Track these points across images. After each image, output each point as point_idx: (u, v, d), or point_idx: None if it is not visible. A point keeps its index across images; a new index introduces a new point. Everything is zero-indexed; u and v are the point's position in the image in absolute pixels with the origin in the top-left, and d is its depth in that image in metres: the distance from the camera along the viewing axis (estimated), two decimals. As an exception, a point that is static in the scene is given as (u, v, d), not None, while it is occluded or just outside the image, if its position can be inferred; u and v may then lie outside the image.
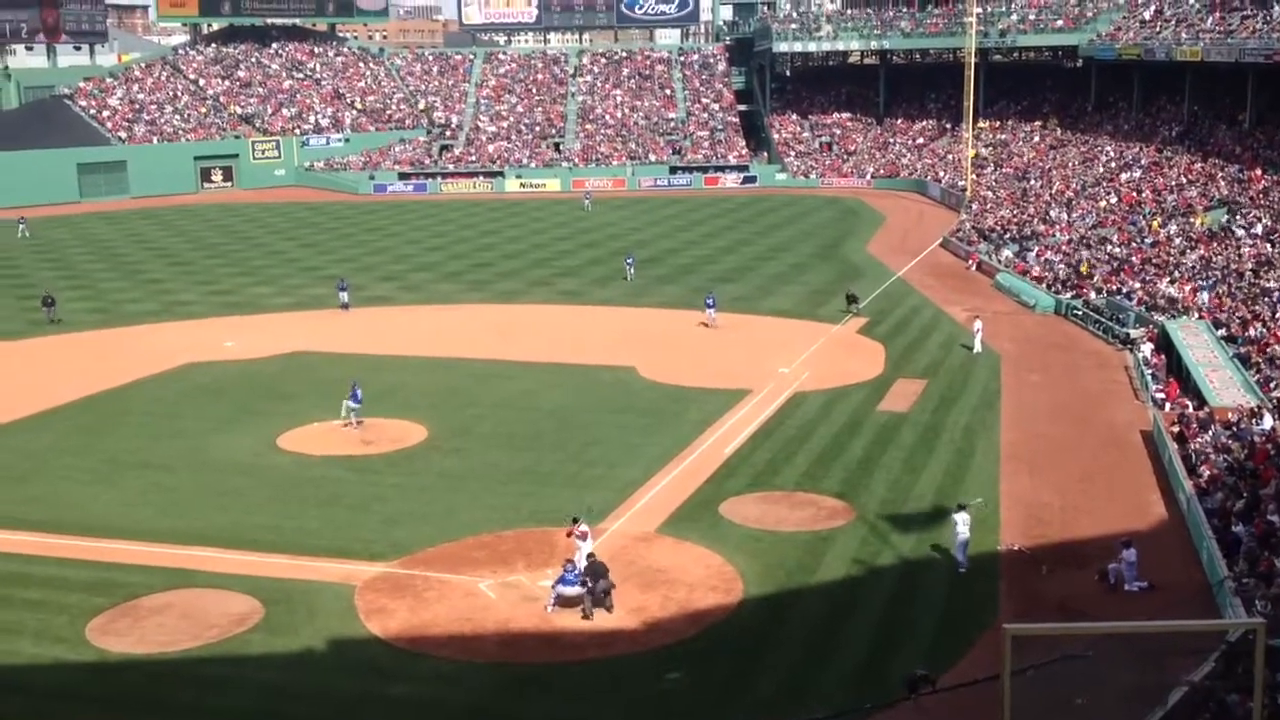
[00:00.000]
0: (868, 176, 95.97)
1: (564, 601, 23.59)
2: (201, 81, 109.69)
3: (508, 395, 39.20)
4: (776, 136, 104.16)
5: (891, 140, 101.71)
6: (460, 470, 32.12)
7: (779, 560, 25.94)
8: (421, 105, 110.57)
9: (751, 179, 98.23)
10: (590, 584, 23.41)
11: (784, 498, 29.78)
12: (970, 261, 61.39)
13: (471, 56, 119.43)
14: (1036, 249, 59.23)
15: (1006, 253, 60.24)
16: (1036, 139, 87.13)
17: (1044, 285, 53.28)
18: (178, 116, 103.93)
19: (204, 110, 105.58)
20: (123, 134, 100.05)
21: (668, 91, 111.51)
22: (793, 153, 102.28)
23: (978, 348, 43.55)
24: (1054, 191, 70.68)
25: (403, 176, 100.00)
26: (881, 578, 25.20)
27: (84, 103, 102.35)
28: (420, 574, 25.44)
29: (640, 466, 31.93)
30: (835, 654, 22.06)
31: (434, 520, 28.36)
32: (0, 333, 49.99)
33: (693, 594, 24.47)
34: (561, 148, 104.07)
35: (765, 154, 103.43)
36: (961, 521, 25.53)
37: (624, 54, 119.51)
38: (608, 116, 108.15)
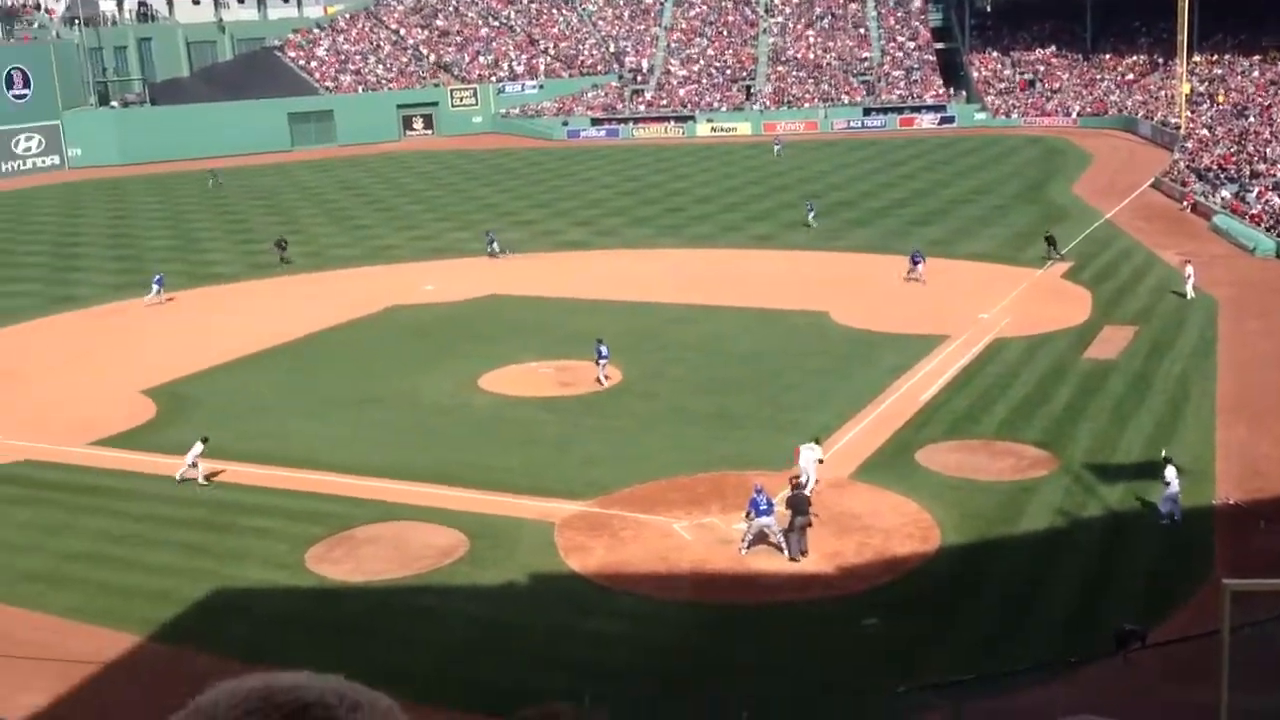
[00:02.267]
0: (1073, 115, 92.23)
1: (757, 539, 23.68)
2: (402, 31, 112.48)
3: (700, 339, 39.37)
4: (975, 75, 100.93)
5: (1099, 76, 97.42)
6: (655, 413, 32.49)
7: (978, 510, 25.49)
8: (612, 49, 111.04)
9: (949, 119, 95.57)
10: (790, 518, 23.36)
11: (983, 446, 29.20)
12: (1185, 203, 58.56)
13: (662, 1, 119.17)
14: (1257, 189, 56.10)
15: (1224, 193, 57.23)
16: (1256, 73, 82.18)
17: (1264, 227, 50.49)
18: (380, 66, 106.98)
19: (404, 59, 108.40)
20: (329, 84, 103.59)
21: (862, 30, 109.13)
22: (993, 91, 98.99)
23: (1190, 293, 41.62)
24: (1276, 128, 66.67)
25: (595, 122, 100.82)
26: (1087, 530, 24.52)
27: (293, 54, 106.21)
28: (617, 513, 25.93)
29: (833, 412, 31.72)
30: (1038, 606, 21.62)
31: (629, 461, 28.81)
32: (222, 275, 52.63)
33: (889, 541, 24.29)
34: (752, 90, 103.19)
35: (964, 93, 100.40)
36: (1171, 474, 24.60)
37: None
38: (800, 57, 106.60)
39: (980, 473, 27.50)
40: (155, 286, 47.50)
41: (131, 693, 19.52)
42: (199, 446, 28.45)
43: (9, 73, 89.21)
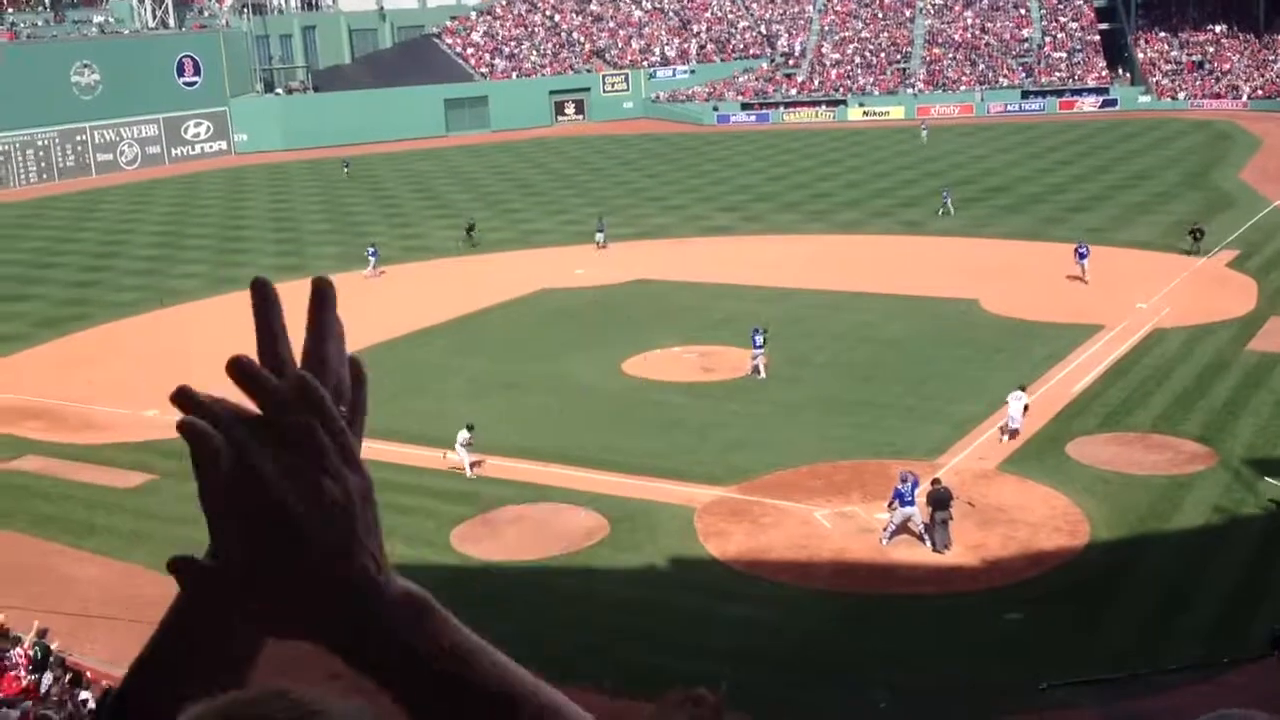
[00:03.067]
0: (1244, 98, 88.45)
1: (899, 529, 23.46)
2: (556, 17, 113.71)
3: (846, 326, 39.01)
4: (1141, 56, 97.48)
5: (1272, 58, 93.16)
6: (797, 399, 32.34)
7: (1130, 504, 24.80)
8: (764, 32, 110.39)
9: (1111, 102, 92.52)
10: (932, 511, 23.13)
11: (1138, 439, 28.35)
12: (1362, 189, 55.74)
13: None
14: None
15: (1406, 179, 54.30)
16: None
17: None
18: (534, 52, 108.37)
19: (558, 45, 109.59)
20: (485, 70, 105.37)
21: (1022, 11, 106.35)
22: (1158, 73, 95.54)
23: None
24: None
25: (745, 107, 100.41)
26: (1245, 528, 23.65)
27: (450, 40, 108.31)
28: (757, 500, 25.93)
29: (982, 401, 31.13)
30: (1191, 605, 20.95)
31: (771, 448, 28.76)
32: (378, 259, 54.02)
33: (1036, 534, 23.80)
34: (907, 73, 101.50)
35: (1128, 75, 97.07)
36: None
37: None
38: (956, 38, 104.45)
39: (1134, 467, 26.72)
40: (371, 259, 49.98)
41: (279, 662, 20.26)
42: (465, 434, 27.96)
43: (180, 60, 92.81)
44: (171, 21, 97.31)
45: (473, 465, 28.06)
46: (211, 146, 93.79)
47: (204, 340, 41.11)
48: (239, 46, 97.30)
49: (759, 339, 33.87)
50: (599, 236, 53.01)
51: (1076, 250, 43.23)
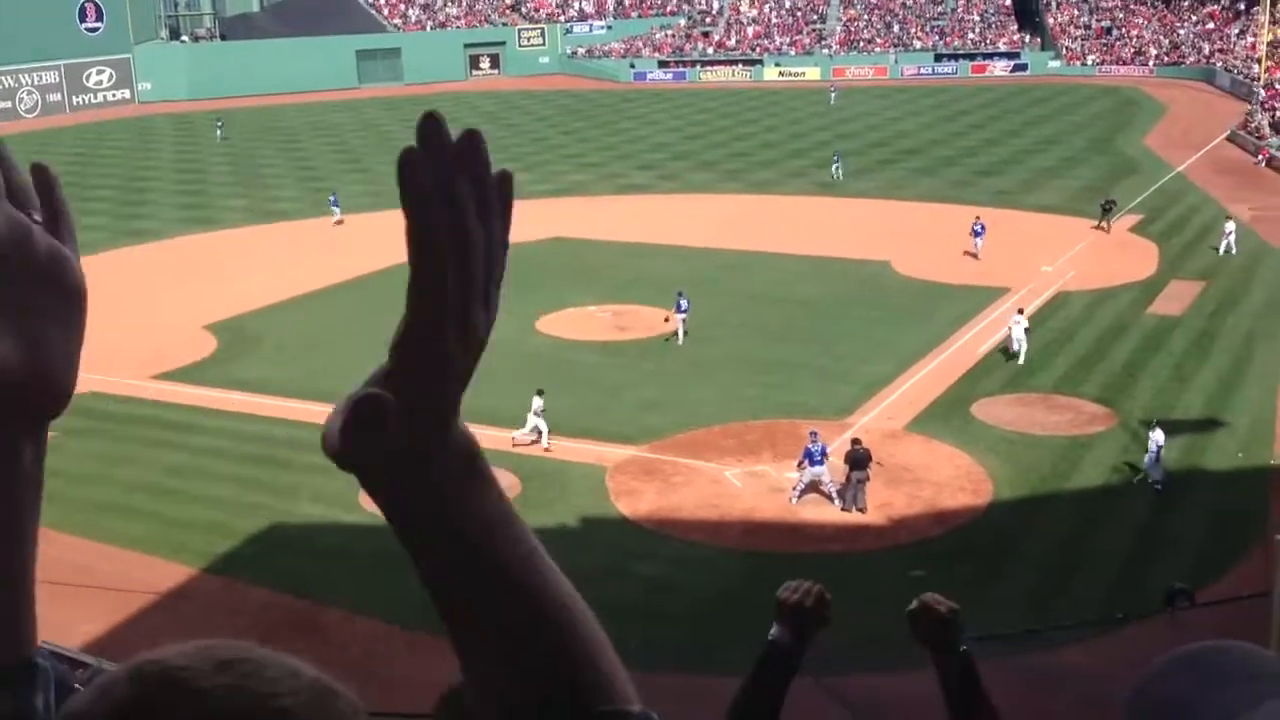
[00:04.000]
0: (1150, 64, 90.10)
1: (808, 488, 23.70)
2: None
3: (760, 286, 39.19)
4: (1052, 21, 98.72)
5: (1179, 24, 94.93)
6: (711, 359, 32.46)
7: (1032, 464, 25.32)
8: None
9: (1022, 67, 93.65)
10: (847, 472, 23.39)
11: (1040, 400, 28.93)
12: (1260, 156, 57.14)
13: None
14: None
15: (1302, 147, 55.80)
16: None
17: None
18: (449, 4, 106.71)
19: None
20: (398, 21, 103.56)
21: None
22: (1068, 38, 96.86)
23: (1226, 250, 40.48)
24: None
25: (662, 64, 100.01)
26: (1142, 488, 24.27)
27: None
28: (669, 459, 26.04)
29: (892, 362, 31.53)
30: (1088, 563, 21.50)
31: (683, 407, 28.86)
32: (285, 212, 53.12)
33: (940, 493, 24.22)
34: (823, 34, 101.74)
35: (1039, 40, 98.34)
36: (1159, 437, 23.95)
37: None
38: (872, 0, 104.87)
39: (1036, 427, 27.27)
40: (334, 208, 50.42)
41: (184, 623, 20.01)
42: (538, 400, 26.65)
43: (82, 5, 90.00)
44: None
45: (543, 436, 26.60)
46: (114, 95, 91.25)
47: (105, 295, 40.16)
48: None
49: (684, 302, 33.61)
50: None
51: (973, 228, 42.01)
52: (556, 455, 26.33)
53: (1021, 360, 30.78)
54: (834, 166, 56.58)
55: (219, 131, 73.30)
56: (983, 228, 42.03)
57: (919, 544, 22.22)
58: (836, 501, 23.46)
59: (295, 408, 29.35)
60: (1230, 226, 41.55)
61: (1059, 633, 18.97)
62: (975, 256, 41.59)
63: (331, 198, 51.42)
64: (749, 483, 24.82)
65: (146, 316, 37.53)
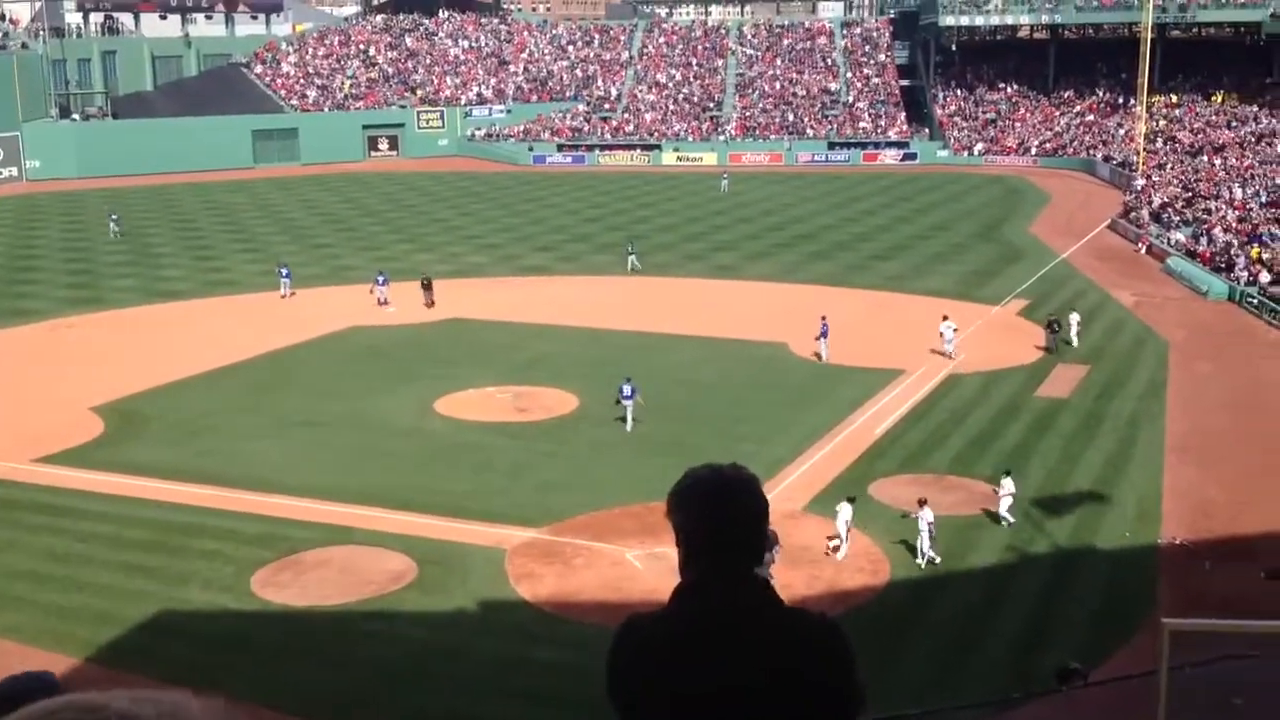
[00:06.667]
0: (1033, 154, 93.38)
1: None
2: (371, 50, 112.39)
3: (659, 367, 39.34)
4: (939, 112, 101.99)
5: (1059, 116, 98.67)
6: (611, 440, 32.44)
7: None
8: (581, 74, 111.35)
9: (912, 156, 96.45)
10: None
11: (935, 481, 29.34)
12: (1140, 244, 59.30)
13: (632, 27, 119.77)
14: (1206, 227, 56.88)
15: (1178, 235, 58.01)
16: (1211, 115, 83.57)
17: (1216, 269, 51.18)
18: (348, 84, 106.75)
19: (372, 79, 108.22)
20: (295, 101, 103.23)
21: (829, 62, 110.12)
22: (956, 129, 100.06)
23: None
24: (1228, 167, 67.76)
25: (561, 148, 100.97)
26: (1035, 567, 24.68)
27: (259, 70, 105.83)
28: (569, 541, 25.83)
29: (789, 444, 31.81)
30: (983, 642, 21.72)
31: (584, 489, 28.74)
32: (178, 292, 52.19)
33: (839, 574, 24.35)
34: (719, 120, 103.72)
35: (927, 130, 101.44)
36: (1008, 485, 26.61)
37: (785, 26, 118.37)
38: (766, 88, 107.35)
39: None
40: (283, 280, 50.37)
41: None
42: (847, 509, 25.19)
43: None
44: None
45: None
46: (2, 173, 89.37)
47: (-13, 375, 38.94)
48: (34, 69, 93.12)
49: (627, 389, 33.03)
50: (378, 289, 48.66)
51: (820, 334, 39.83)
52: (456, 538, 25.99)
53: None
54: (630, 257, 55.36)
55: (114, 224, 66.55)
56: (827, 329, 39.88)
57: (819, 625, 22.24)
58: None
59: (184, 491, 28.64)
60: (1075, 318, 42.53)
61: (957, 713, 19.08)
62: (820, 358, 39.70)
63: (283, 270, 51.15)
64: (650, 564, 24.69)
65: (28, 397, 36.45)
